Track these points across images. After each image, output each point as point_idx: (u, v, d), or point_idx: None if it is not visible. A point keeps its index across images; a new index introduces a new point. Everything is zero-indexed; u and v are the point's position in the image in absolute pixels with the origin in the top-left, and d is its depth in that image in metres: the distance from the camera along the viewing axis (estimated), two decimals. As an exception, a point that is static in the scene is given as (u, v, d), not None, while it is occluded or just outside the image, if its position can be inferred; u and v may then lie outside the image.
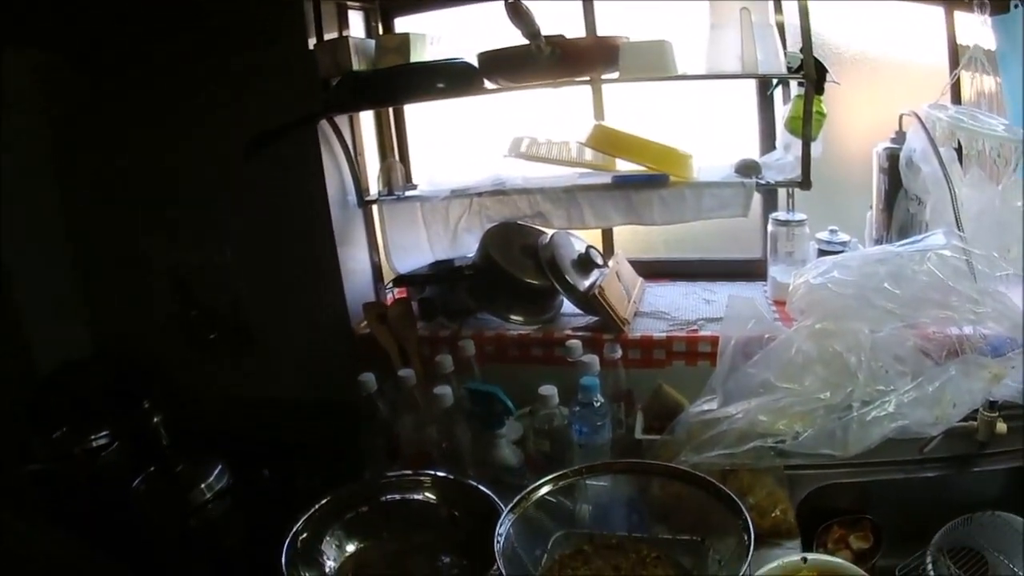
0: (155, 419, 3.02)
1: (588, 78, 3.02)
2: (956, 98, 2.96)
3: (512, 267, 3.22)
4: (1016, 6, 2.66)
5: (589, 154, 3.37)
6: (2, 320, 3.47)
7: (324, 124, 3.25)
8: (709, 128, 3.39)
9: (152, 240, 3.58)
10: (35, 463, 3.15)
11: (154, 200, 3.53)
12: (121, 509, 2.91)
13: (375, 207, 3.54)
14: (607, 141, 3.22)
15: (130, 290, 3.72)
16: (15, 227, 3.45)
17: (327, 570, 2.41)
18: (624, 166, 3.30)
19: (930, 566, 2.15)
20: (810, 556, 2.14)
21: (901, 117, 2.89)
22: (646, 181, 3.14)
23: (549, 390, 2.68)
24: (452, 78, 3.04)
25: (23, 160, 3.54)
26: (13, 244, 3.44)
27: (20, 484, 3.10)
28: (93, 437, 3.26)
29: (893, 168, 2.89)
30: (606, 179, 3.25)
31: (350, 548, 2.51)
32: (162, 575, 2.64)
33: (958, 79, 2.92)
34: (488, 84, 3.06)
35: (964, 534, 2.27)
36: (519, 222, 3.43)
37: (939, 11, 2.99)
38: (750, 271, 3.53)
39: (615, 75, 2.94)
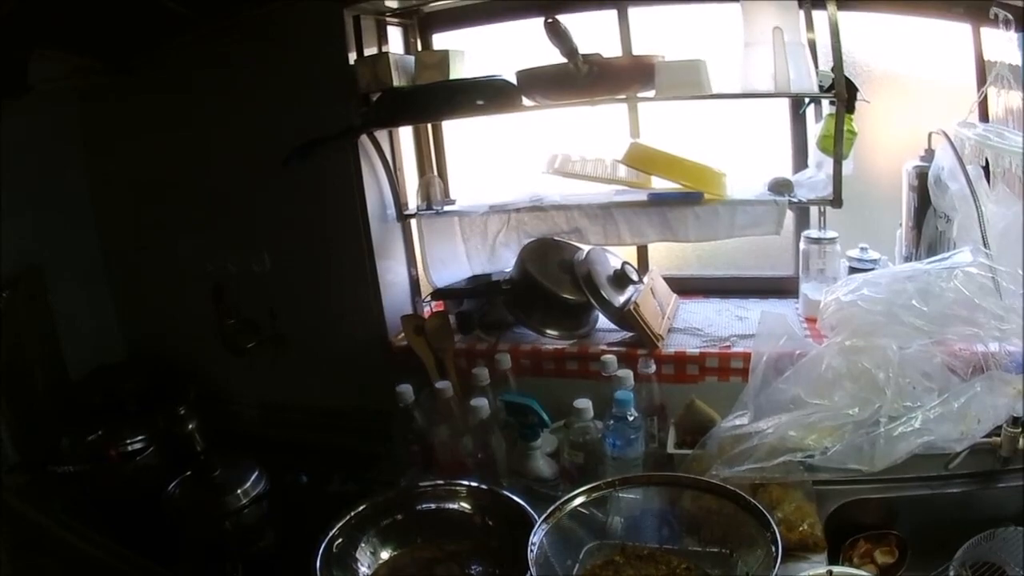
0: (191, 424, 3.08)
1: (624, 96, 3.05)
2: (984, 115, 2.97)
3: (549, 282, 3.26)
4: (1041, 21, 2.68)
5: (624, 171, 3.39)
6: (38, 322, 3.53)
7: (364, 138, 3.28)
8: (742, 146, 3.40)
9: (190, 246, 3.64)
10: (69, 465, 3.19)
11: (193, 207, 3.59)
12: (156, 512, 2.94)
13: (414, 221, 3.59)
14: (643, 159, 3.24)
15: (167, 295, 3.78)
16: (50, 231, 3.54)
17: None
18: (659, 183, 3.32)
19: (953, 581, 2.18)
20: (836, 569, 2.16)
21: (930, 135, 2.91)
22: (681, 198, 3.17)
23: (584, 403, 2.71)
24: (491, 95, 3.07)
25: (59, 164, 3.62)
26: (48, 247, 3.53)
27: (55, 485, 3.15)
28: (129, 440, 3.29)
29: (922, 186, 2.90)
30: (642, 196, 3.27)
31: (384, 555, 2.56)
32: (196, 579, 2.66)
33: (985, 96, 2.94)
34: (526, 101, 3.09)
35: (987, 549, 2.29)
36: (556, 238, 3.46)
37: (966, 28, 3.00)
38: (782, 288, 3.54)
39: (651, 93, 2.95)
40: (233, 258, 3.55)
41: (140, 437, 3.32)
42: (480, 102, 3.07)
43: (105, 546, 2.73)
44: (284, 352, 3.56)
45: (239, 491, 2.96)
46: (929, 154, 2.91)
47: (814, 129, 3.17)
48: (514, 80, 3.07)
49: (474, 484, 2.70)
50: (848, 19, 2.88)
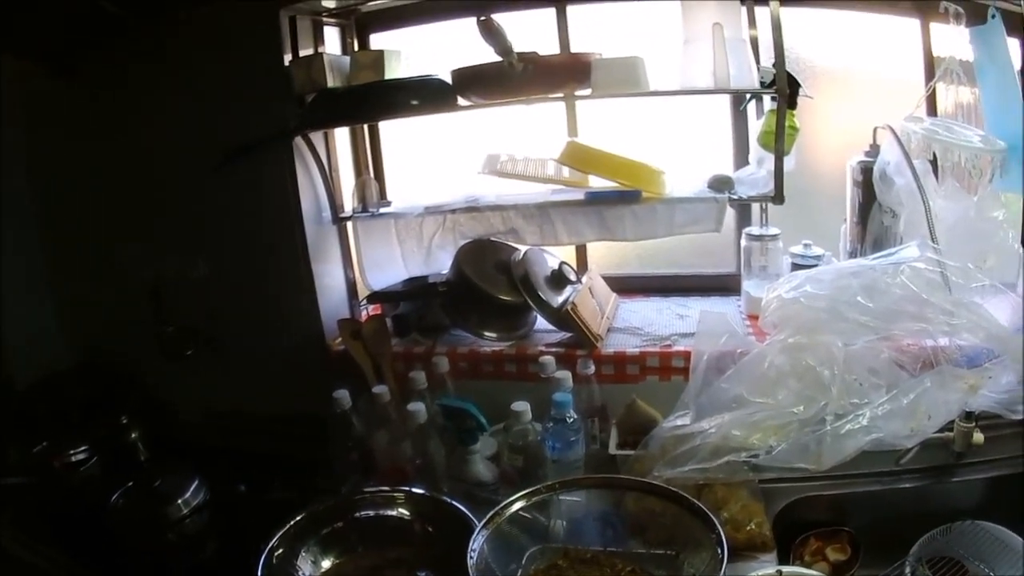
0: (133, 434, 3.05)
1: (561, 94, 3.03)
2: (932, 110, 2.98)
3: (485, 283, 3.23)
4: (993, 16, 2.67)
5: (561, 170, 3.37)
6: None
7: (299, 140, 3.25)
8: (682, 143, 3.40)
9: (130, 251, 3.57)
10: (14, 476, 3.15)
11: (130, 213, 3.53)
12: (99, 524, 2.89)
13: (350, 224, 3.55)
14: (580, 158, 3.22)
15: (109, 301, 3.70)
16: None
17: (303, 585, 2.40)
18: (597, 182, 3.30)
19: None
20: (785, 569, 2.15)
21: (875, 130, 2.91)
22: (618, 197, 3.15)
23: (522, 406, 2.68)
24: (426, 95, 3.04)
25: (-1, 167, 3.53)
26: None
27: (2, 498, 3.09)
28: (72, 451, 3.24)
29: (867, 181, 2.90)
30: (579, 195, 3.26)
31: (326, 564, 2.51)
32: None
33: (934, 91, 2.94)
34: (462, 101, 3.07)
35: (944, 544, 2.29)
36: (492, 239, 3.44)
37: (915, 23, 3.01)
38: (724, 286, 3.54)
39: (588, 91, 2.94)
40: (171, 263, 3.49)
41: (83, 448, 3.27)
42: (415, 102, 3.05)
43: (53, 559, 2.72)
44: (222, 358, 3.51)
45: (180, 501, 2.92)
46: (874, 149, 2.92)
47: (755, 126, 3.16)
48: (449, 80, 3.05)
49: (414, 490, 2.67)
50: (791, 15, 2.89)
